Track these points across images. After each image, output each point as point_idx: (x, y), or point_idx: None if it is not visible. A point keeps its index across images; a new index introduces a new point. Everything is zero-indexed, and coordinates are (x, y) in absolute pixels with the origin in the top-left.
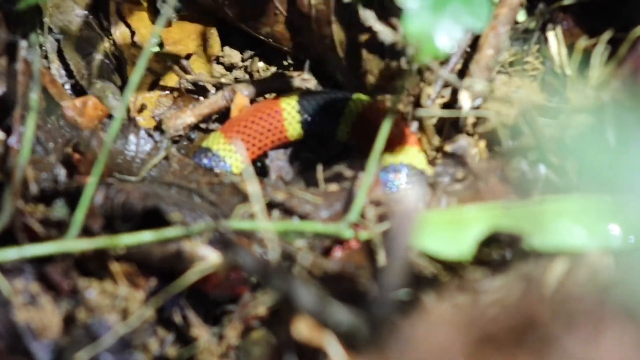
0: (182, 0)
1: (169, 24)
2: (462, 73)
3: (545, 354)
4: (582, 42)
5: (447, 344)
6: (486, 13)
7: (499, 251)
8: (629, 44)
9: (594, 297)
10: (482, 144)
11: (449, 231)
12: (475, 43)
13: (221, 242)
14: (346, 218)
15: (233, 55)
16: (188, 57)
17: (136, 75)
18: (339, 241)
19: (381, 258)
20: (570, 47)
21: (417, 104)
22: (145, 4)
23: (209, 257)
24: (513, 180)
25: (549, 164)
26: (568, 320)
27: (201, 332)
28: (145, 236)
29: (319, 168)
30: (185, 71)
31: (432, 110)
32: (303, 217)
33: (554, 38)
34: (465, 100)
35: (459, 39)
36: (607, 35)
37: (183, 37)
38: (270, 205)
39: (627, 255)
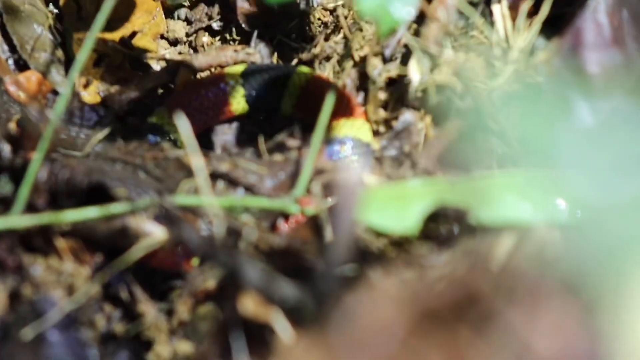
0: None
1: None
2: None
3: (485, 327)
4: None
5: (389, 319)
6: None
7: (445, 226)
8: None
9: (537, 272)
10: (428, 118)
11: (394, 206)
12: (422, 18)
13: (166, 217)
14: (292, 193)
15: (177, 29)
16: (133, 34)
17: (82, 54)
18: (285, 215)
19: (327, 232)
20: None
21: (363, 75)
22: None
23: (154, 233)
24: (457, 153)
25: (491, 132)
26: (509, 294)
27: (148, 308)
28: (90, 212)
29: (261, 138)
30: (130, 48)
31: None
32: (248, 187)
33: (499, 12)
34: (414, 73)
35: (414, 4)
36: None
37: (128, 13)
38: (215, 177)
39: (573, 229)
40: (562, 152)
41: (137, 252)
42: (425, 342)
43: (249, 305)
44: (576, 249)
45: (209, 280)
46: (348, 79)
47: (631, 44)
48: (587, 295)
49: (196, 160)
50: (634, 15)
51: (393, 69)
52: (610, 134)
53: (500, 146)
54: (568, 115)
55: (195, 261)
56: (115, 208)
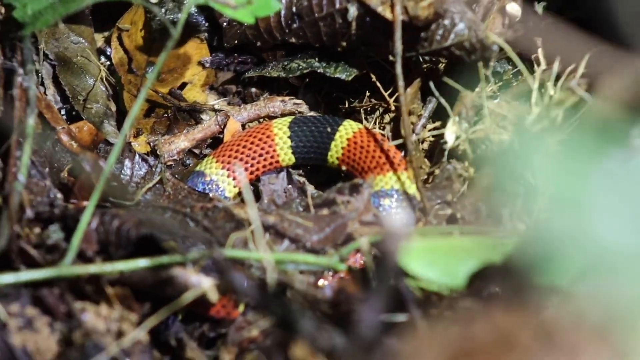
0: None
1: None
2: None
3: None
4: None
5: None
6: None
7: (490, 284)
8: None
9: (574, 320)
10: (472, 169)
11: (442, 261)
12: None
13: (216, 267)
14: (338, 252)
15: (227, 81)
16: (183, 85)
17: (136, 105)
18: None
19: (373, 284)
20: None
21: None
22: (143, 33)
23: (201, 284)
24: (493, 203)
25: (522, 182)
26: (548, 342)
27: (196, 354)
28: (140, 263)
29: (309, 192)
30: (180, 99)
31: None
32: (294, 239)
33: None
34: (449, 135)
35: None
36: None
37: (178, 65)
38: (262, 228)
39: (606, 277)
40: (594, 200)
41: (182, 301)
42: None
43: (299, 353)
44: (609, 297)
45: (253, 330)
46: (390, 132)
47: None
48: (618, 340)
49: (252, 212)
50: None
51: (430, 126)
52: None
53: (531, 196)
54: (602, 162)
55: (241, 307)
56: (164, 260)
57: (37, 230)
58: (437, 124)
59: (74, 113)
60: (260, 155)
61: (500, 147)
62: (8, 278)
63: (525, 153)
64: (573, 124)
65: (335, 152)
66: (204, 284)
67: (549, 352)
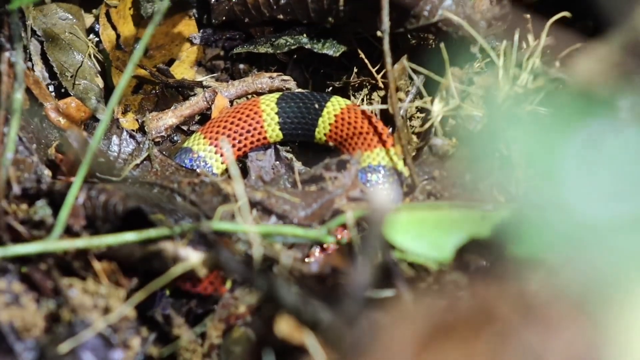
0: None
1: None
2: None
3: (501, 345)
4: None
5: (405, 335)
6: None
7: (477, 256)
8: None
9: (551, 293)
10: (458, 144)
11: (427, 233)
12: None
13: (203, 242)
14: (326, 224)
15: (215, 57)
16: (171, 61)
17: (124, 80)
18: (319, 243)
19: (359, 258)
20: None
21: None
22: (132, 10)
23: (190, 258)
24: (472, 178)
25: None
26: (525, 314)
27: (182, 331)
28: (128, 237)
29: (297, 169)
30: (167, 75)
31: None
32: (281, 216)
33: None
34: (436, 111)
35: None
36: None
37: (167, 42)
38: (249, 204)
39: (580, 249)
40: (566, 173)
41: (170, 275)
42: (440, 357)
43: (284, 327)
44: (589, 269)
45: (241, 307)
46: (379, 108)
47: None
48: (595, 312)
49: (238, 186)
50: None
51: (418, 101)
52: (612, 154)
53: (505, 169)
54: (573, 136)
55: (228, 284)
56: (152, 233)
57: (24, 206)
58: (425, 100)
59: (62, 90)
60: (248, 131)
61: (481, 122)
62: None
63: (503, 127)
64: (551, 99)
65: (322, 128)
66: (192, 257)
67: (527, 324)
